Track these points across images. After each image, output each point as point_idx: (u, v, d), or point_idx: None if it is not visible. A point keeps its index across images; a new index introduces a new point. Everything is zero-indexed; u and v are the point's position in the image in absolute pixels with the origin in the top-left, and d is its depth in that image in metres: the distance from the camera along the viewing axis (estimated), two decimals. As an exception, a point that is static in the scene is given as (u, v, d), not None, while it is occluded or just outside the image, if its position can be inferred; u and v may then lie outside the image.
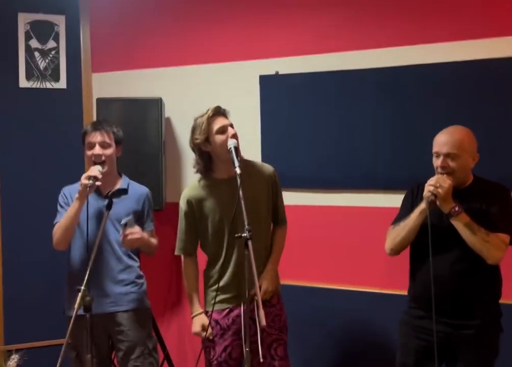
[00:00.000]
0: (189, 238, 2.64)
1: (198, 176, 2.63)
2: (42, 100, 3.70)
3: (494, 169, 2.60)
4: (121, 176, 2.82)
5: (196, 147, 2.55)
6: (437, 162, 2.33)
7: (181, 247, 2.65)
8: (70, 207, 2.61)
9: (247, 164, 2.57)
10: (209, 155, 2.55)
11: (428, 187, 2.27)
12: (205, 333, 2.56)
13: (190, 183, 2.69)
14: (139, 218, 2.75)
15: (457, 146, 2.28)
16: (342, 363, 3.19)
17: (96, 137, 2.66)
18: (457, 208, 2.26)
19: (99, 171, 2.57)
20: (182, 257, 2.68)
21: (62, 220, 2.63)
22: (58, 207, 2.73)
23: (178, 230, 2.67)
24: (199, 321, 2.60)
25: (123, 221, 2.57)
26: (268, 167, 2.67)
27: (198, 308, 2.63)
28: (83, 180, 2.52)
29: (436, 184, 2.24)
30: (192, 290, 2.65)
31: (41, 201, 3.55)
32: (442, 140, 2.31)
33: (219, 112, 2.53)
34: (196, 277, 2.67)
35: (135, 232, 2.58)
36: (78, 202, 2.56)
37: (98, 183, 2.53)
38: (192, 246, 2.66)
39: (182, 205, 2.62)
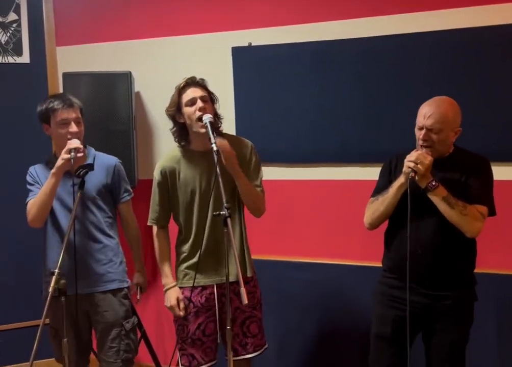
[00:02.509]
0: (162, 210, 2.59)
1: (173, 146, 2.58)
2: (5, 76, 3.58)
3: (474, 141, 2.58)
4: (85, 148, 2.72)
5: (170, 117, 2.53)
6: (419, 134, 2.31)
7: (154, 218, 2.61)
8: (46, 183, 2.50)
9: (224, 138, 2.52)
10: (184, 125, 2.50)
11: (408, 163, 2.24)
12: (180, 307, 2.51)
13: (166, 153, 2.64)
14: (111, 190, 2.69)
15: (441, 120, 2.24)
16: (321, 336, 3.21)
17: (70, 114, 2.54)
18: (434, 183, 2.25)
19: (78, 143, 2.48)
20: (154, 228, 2.63)
21: (37, 197, 2.53)
22: (28, 186, 2.63)
23: (151, 201, 2.61)
24: (174, 294, 2.55)
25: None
26: (246, 142, 2.61)
27: (171, 281, 2.58)
28: (65, 154, 2.42)
29: (416, 160, 2.22)
30: (164, 261, 2.60)
31: (8, 181, 3.48)
32: (427, 113, 2.26)
33: (193, 82, 2.47)
34: (168, 248, 2.64)
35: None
36: (55, 177, 2.46)
37: (79, 154, 2.44)
38: (164, 219, 2.62)
39: (156, 175, 2.57)
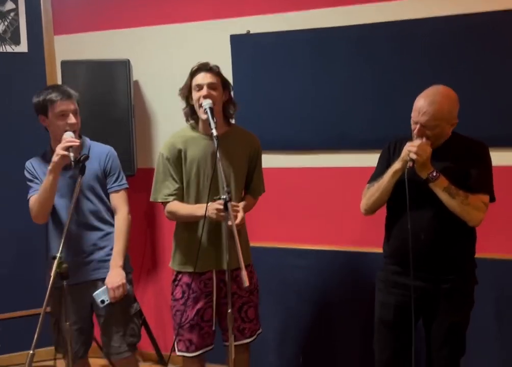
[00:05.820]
0: (176, 183, 2.53)
1: (173, 132, 2.61)
2: (3, 64, 3.57)
3: (473, 126, 2.58)
4: (80, 138, 2.70)
5: (184, 97, 2.55)
6: (414, 127, 2.29)
7: (167, 194, 2.52)
8: (44, 180, 2.50)
9: (232, 128, 2.59)
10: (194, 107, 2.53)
11: (409, 154, 2.23)
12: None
13: (175, 132, 2.63)
14: (104, 177, 2.66)
15: (435, 117, 2.22)
16: (321, 322, 3.23)
17: (69, 105, 2.53)
18: (434, 173, 2.24)
19: (72, 137, 2.47)
20: (165, 205, 2.55)
21: (38, 194, 2.53)
22: (28, 182, 2.62)
23: (158, 178, 2.55)
24: (213, 205, 2.35)
25: (100, 305, 2.54)
26: (253, 137, 2.64)
27: (201, 205, 2.42)
28: (61, 150, 2.41)
29: (418, 152, 2.21)
30: (188, 207, 2.50)
31: (5, 172, 3.48)
32: (422, 109, 2.23)
33: (205, 68, 2.48)
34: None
35: (118, 294, 2.54)
36: (53, 174, 2.45)
37: (71, 154, 2.41)
38: (180, 193, 2.53)
39: (164, 151, 2.54)
